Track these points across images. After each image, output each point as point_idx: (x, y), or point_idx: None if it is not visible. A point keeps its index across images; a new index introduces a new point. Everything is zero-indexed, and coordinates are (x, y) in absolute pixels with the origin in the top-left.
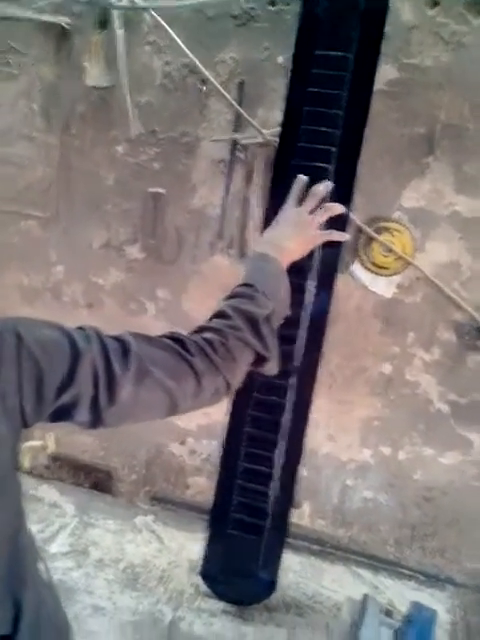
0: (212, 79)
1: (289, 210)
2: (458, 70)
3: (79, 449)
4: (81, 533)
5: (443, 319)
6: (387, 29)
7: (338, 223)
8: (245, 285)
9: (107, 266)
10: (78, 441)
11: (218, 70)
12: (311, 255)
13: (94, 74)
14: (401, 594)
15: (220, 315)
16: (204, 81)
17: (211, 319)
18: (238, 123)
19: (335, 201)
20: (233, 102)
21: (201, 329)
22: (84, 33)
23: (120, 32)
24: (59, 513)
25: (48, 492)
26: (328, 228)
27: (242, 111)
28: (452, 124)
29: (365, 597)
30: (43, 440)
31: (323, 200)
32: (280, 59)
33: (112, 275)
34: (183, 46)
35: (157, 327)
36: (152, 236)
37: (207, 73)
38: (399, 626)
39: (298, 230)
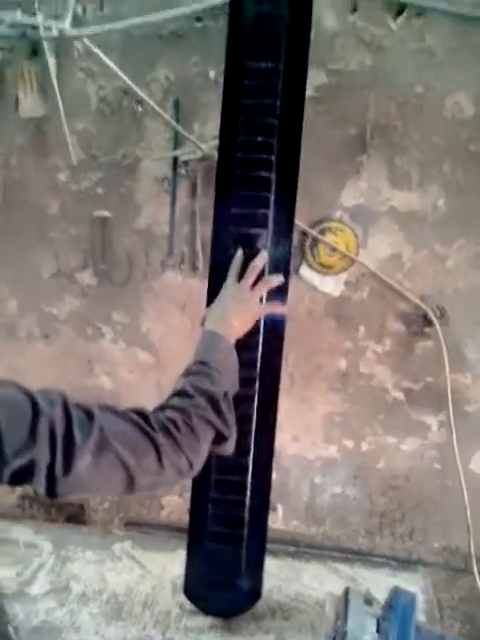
0: (147, 99)
1: (231, 286)
2: (381, 72)
3: None
4: (60, 569)
5: (391, 311)
6: (312, 36)
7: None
8: (200, 363)
9: (60, 295)
10: None
11: (152, 90)
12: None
13: (28, 105)
14: (377, 582)
15: (181, 393)
16: (140, 102)
17: (171, 397)
18: (176, 140)
19: (281, 203)
20: (170, 120)
21: (163, 407)
22: (14, 65)
23: (52, 61)
24: (36, 552)
25: (22, 532)
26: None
27: (179, 128)
28: (381, 123)
29: (347, 590)
30: None
31: (262, 273)
32: (211, 74)
33: (66, 303)
34: (116, 68)
35: (116, 350)
36: (102, 260)
37: (142, 94)
38: (381, 613)
39: (241, 306)
